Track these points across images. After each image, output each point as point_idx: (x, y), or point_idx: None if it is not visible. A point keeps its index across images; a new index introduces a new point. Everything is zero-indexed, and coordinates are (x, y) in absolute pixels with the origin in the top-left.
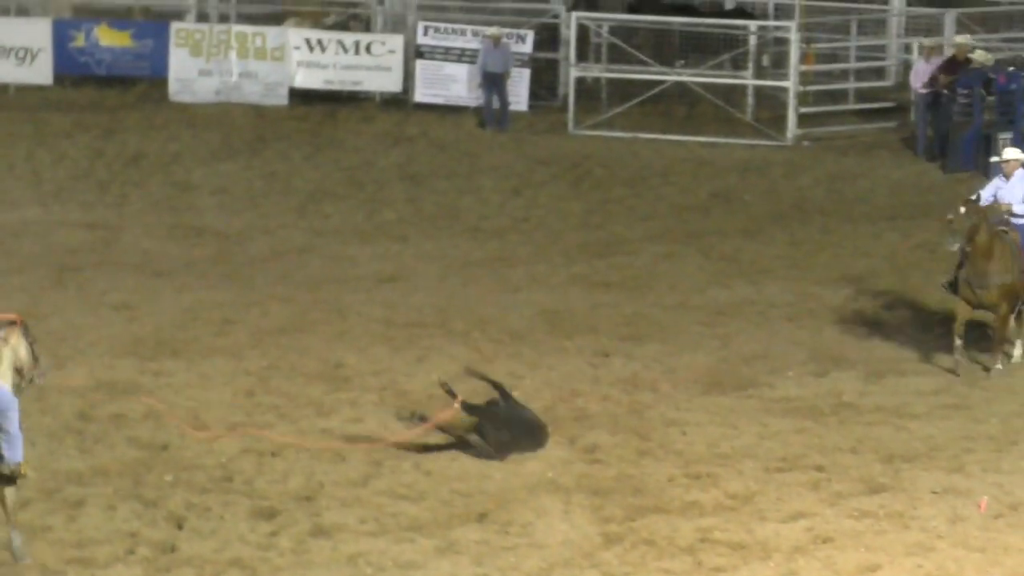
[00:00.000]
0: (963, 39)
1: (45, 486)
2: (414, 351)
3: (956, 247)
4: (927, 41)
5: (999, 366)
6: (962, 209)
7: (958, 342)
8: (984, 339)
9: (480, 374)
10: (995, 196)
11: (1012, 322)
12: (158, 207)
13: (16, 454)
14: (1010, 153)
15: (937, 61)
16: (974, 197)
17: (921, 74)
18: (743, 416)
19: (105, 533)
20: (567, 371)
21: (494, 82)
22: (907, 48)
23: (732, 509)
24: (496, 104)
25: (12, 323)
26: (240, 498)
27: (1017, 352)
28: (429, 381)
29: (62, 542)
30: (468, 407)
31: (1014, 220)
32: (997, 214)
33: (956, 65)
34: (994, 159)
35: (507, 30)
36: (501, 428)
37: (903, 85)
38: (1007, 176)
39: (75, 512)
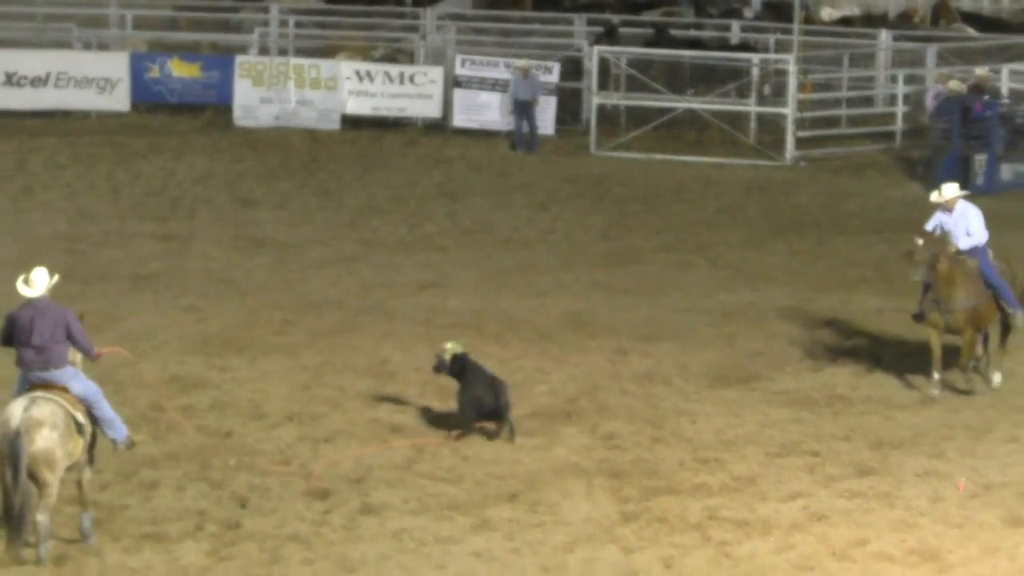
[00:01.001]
0: (983, 71)
1: (123, 470)
2: None
3: (919, 278)
4: (944, 71)
5: (977, 387)
6: (920, 241)
7: (936, 376)
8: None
9: None
10: (941, 228)
11: (980, 348)
12: (224, 220)
13: (119, 432)
14: (949, 190)
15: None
16: (930, 228)
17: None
18: (746, 407)
19: (176, 511)
20: (589, 367)
21: (524, 109)
22: (893, 79)
23: (736, 490)
24: (526, 129)
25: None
26: (297, 480)
27: (996, 380)
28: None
29: (138, 519)
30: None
31: (968, 248)
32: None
33: (980, 92)
34: (933, 197)
35: (535, 62)
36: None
37: (891, 112)
38: (949, 210)
39: (150, 493)
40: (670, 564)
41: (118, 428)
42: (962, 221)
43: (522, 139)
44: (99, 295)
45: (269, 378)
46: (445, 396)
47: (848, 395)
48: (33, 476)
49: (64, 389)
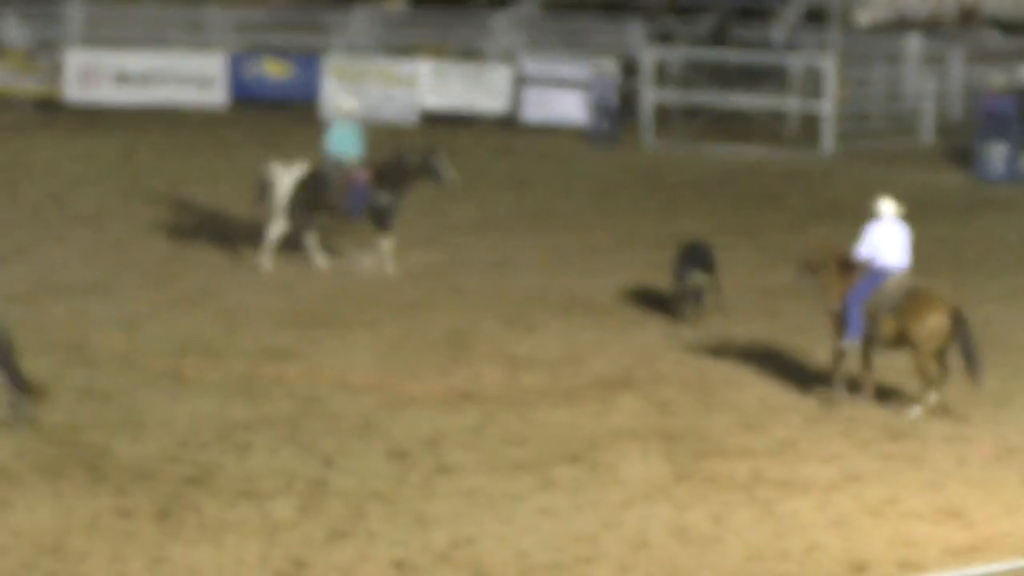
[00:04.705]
0: None
1: (220, 432)
2: (520, 323)
3: (794, 278)
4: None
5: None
6: (811, 248)
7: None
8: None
9: None
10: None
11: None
12: None
13: None
14: (879, 204)
15: None
16: (826, 240)
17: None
18: (788, 376)
19: (268, 470)
20: (645, 339)
21: (604, 106)
22: (922, 77)
23: (779, 453)
24: (603, 125)
25: None
26: (378, 442)
27: (915, 413)
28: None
29: (234, 477)
30: None
31: (873, 267)
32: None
33: None
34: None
35: (613, 63)
36: None
37: (920, 109)
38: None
39: (244, 453)
40: (719, 520)
41: None
42: (876, 234)
43: (599, 134)
44: (199, 273)
45: (353, 349)
46: (515, 366)
47: (880, 366)
48: None
49: None
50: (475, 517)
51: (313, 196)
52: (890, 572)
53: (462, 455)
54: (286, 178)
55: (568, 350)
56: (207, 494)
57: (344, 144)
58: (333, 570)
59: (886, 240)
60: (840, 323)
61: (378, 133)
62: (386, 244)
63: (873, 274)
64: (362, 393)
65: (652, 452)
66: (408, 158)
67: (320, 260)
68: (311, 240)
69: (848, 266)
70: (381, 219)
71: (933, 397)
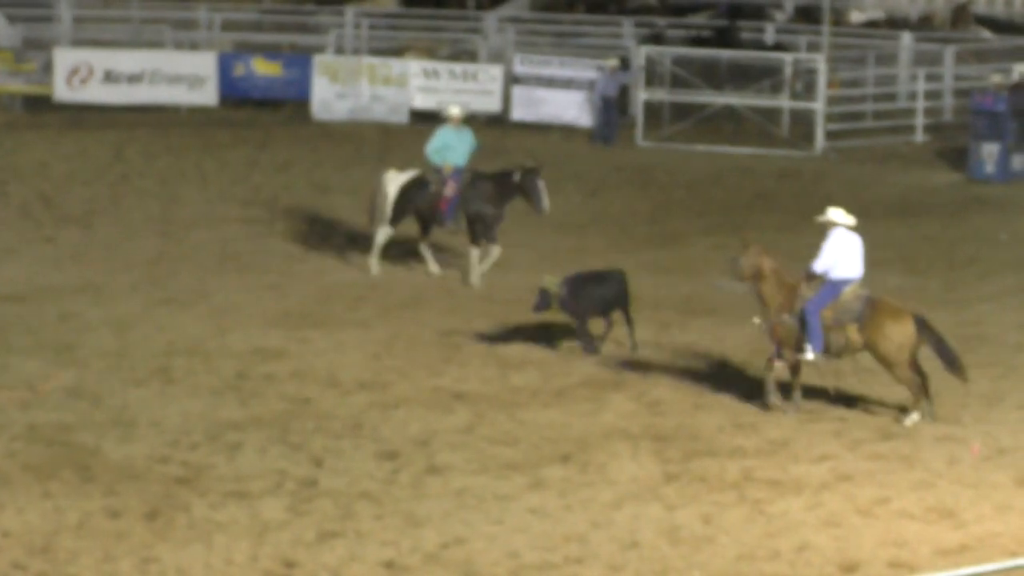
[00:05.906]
0: None
1: (210, 432)
2: (511, 323)
3: (720, 284)
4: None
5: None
6: (737, 254)
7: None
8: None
9: None
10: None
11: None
12: (302, 205)
13: None
14: (830, 214)
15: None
16: (755, 243)
17: None
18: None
19: (258, 470)
20: (636, 339)
21: (608, 104)
22: (914, 77)
23: (770, 453)
24: (605, 122)
25: None
26: (368, 442)
27: (910, 420)
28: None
29: (223, 477)
30: None
31: (830, 278)
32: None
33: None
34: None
35: (617, 62)
36: None
37: (912, 108)
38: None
39: (234, 453)
40: (709, 520)
41: None
42: (828, 247)
43: (602, 133)
44: (189, 274)
45: (343, 349)
46: (505, 366)
47: (872, 366)
48: None
49: None
50: (465, 517)
51: (411, 202)
52: (881, 572)
53: (452, 455)
54: (392, 185)
55: (558, 350)
56: (197, 494)
57: (445, 152)
58: (323, 570)
59: (844, 251)
60: (780, 334)
61: (369, 132)
62: (494, 252)
63: (831, 285)
64: (352, 393)
65: (643, 452)
66: (514, 174)
67: (374, 266)
68: (382, 238)
69: (789, 276)
70: (484, 229)
71: (927, 408)
